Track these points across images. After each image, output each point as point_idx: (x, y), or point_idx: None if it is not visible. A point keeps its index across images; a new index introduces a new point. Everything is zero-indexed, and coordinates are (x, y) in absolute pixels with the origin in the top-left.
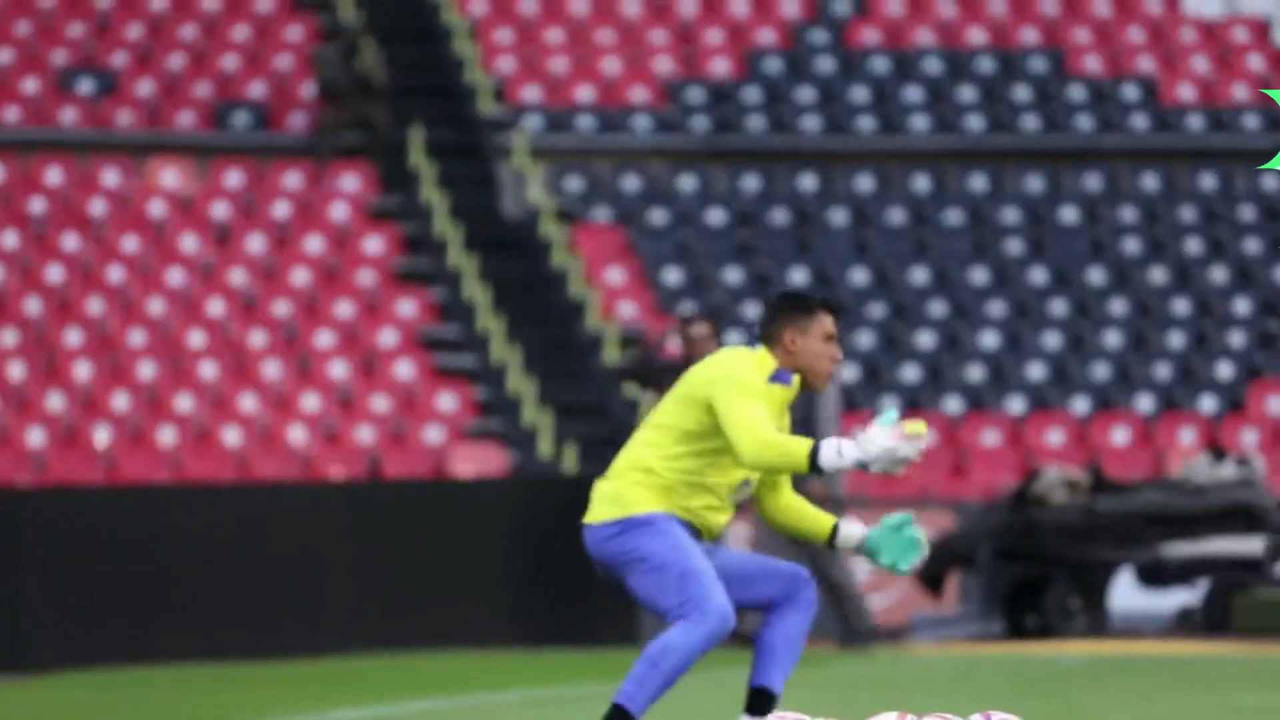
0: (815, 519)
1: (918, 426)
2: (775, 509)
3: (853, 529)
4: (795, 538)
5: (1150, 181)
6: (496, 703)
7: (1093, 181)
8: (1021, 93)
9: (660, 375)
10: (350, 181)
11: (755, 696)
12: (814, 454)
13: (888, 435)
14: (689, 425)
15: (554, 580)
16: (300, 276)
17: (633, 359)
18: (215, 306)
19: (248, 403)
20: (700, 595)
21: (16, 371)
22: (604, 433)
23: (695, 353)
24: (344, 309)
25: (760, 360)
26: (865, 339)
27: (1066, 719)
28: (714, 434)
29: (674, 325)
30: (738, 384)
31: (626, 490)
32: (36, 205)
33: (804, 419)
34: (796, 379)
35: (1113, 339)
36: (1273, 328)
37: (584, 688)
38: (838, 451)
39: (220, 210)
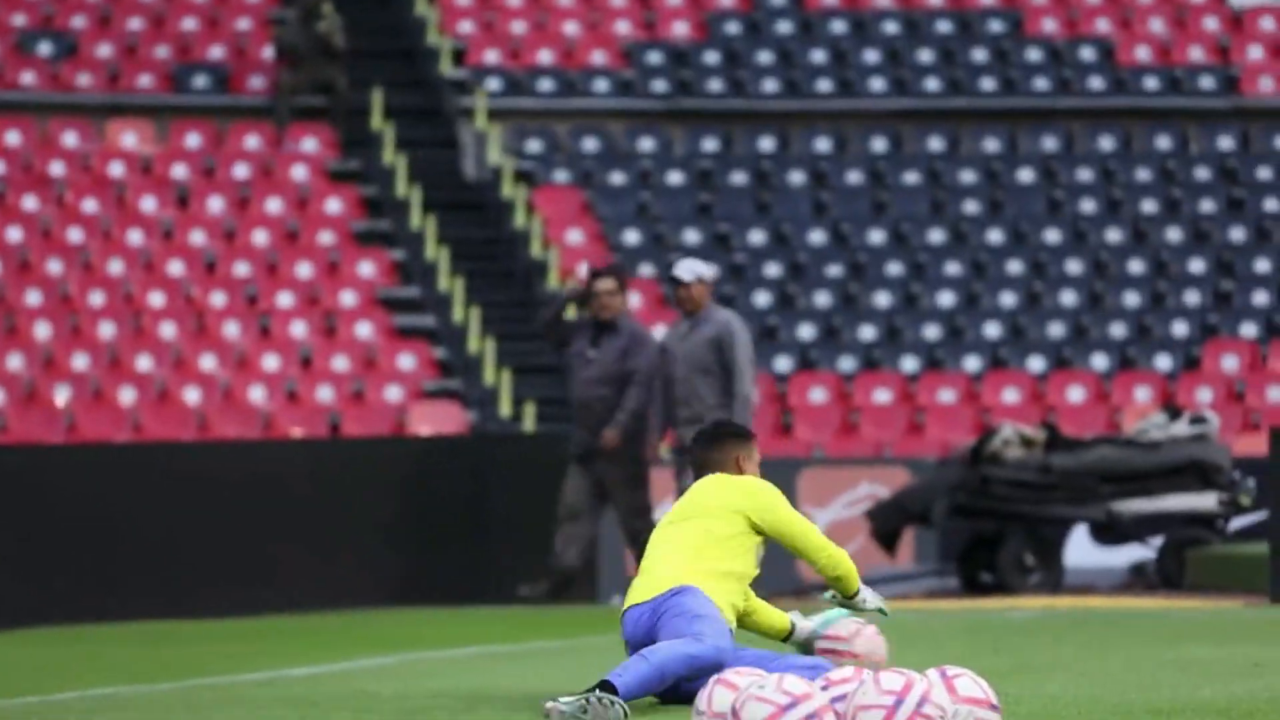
0: (771, 616)
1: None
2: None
3: (805, 623)
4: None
5: (1106, 142)
6: (455, 658)
7: (1049, 142)
8: (979, 54)
9: (570, 333)
10: (310, 143)
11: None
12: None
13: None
14: (726, 527)
15: (513, 537)
16: (260, 237)
17: (551, 316)
18: (175, 267)
19: (208, 362)
20: (710, 632)
21: None
22: (563, 393)
23: (600, 307)
24: (304, 270)
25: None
26: (822, 298)
27: (1021, 673)
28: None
29: (576, 281)
30: (784, 502)
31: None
32: None
33: (722, 369)
34: None
35: (1068, 298)
36: (1228, 287)
37: (547, 643)
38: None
39: (180, 172)
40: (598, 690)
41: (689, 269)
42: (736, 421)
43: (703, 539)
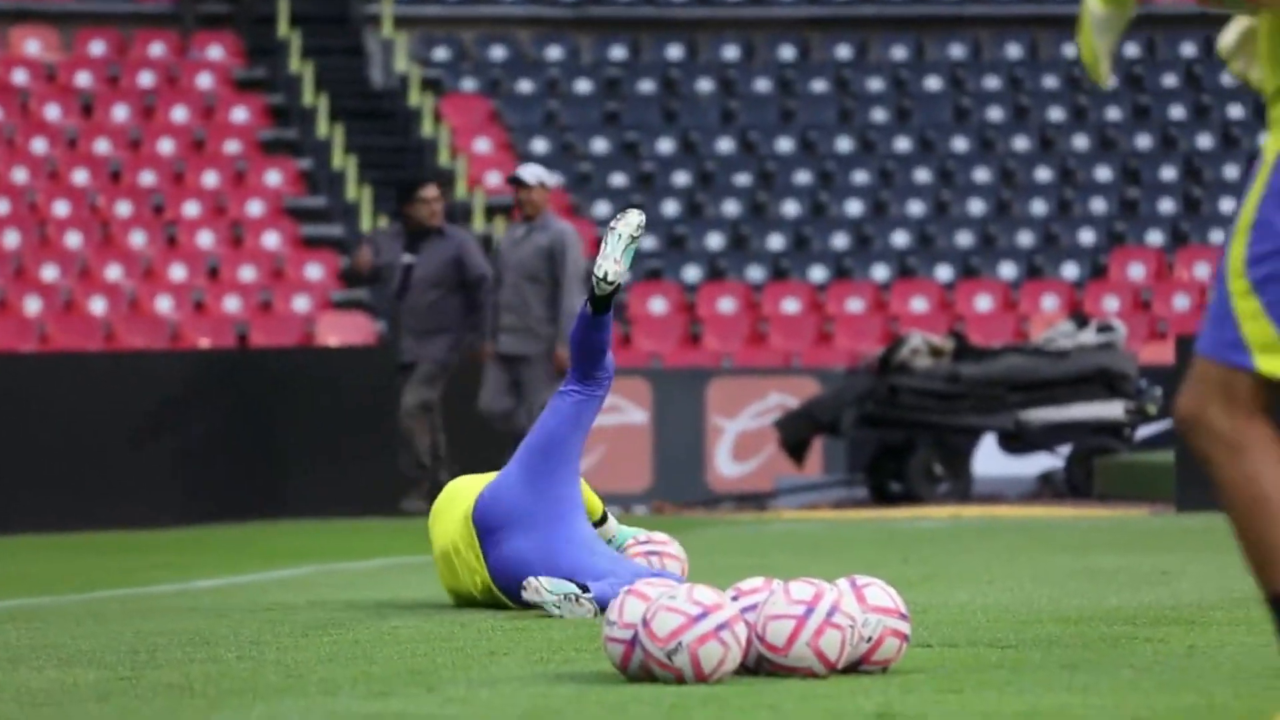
0: (591, 496)
1: None
2: None
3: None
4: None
5: (1014, 49)
6: (367, 569)
7: (957, 50)
8: None
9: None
10: (216, 51)
11: None
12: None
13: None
14: None
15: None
16: (166, 146)
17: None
18: (80, 176)
19: (114, 273)
20: (630, 570)
21: None
22: None
23: (425, 214)
24: (210, 179)
25: None
26: (730, 207)
27: (930, 582)
28: None
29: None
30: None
31: None
32: None
33: (552, 280)
34: None
35: (976, 206)
36: (1134, 195)
37: None
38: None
39: (84, 79)
40: (580, 593)
41: (532, 172)
42: (565, 335)
43: None
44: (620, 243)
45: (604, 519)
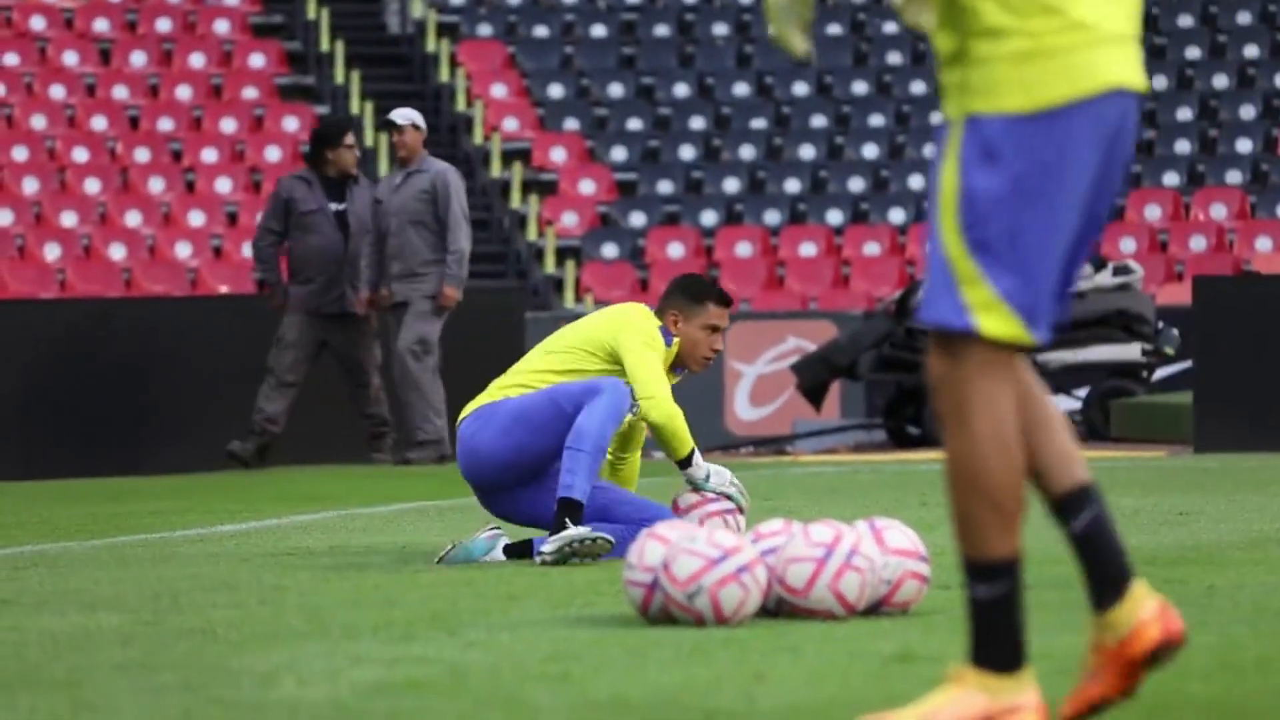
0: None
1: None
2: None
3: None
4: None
5: None
6: (385, 514)
7: None
8: None
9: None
10: None
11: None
12: (692, 452)
13: (731, 474)
14: (579, 368)
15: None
16: (184, 93)
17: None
18: (98, 123)
19: (133, 219)
20: (587, 387)
21: None
22: (490, 247)
23: (349, 160)
24: (228, 125)
25: (652, 318)
26: (747, 151)
27: (946, 523)
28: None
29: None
30: (644, 335)
31: (501, 390)
32: None
33: (436, 222)
34: (677, 342)
35: None
36: (1149, 136)
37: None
38: (703, 466)
39: (102, 26)
40: (567, 521)
41: (404, 114)
42: (451, 272)
43: (540, 375)
44: (728, 476)
45: (690, 460)
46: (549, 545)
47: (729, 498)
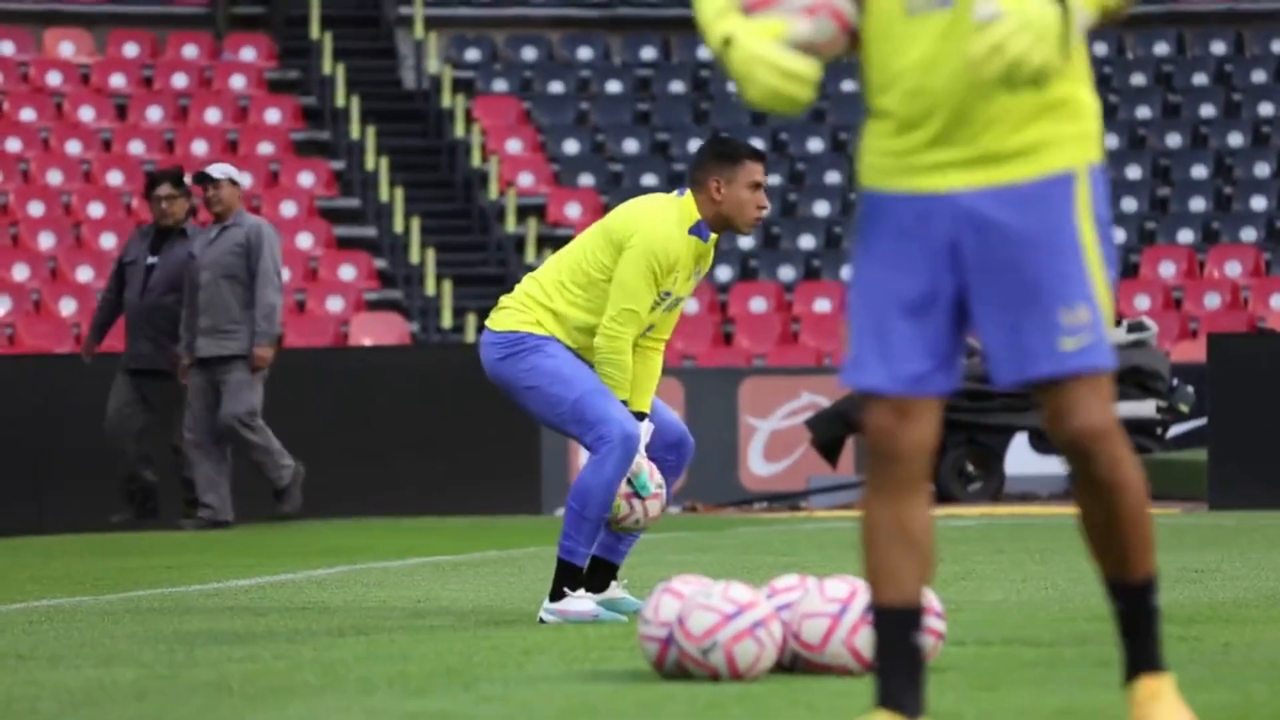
0: (645, 394)
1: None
2: (640, 360)
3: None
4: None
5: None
6: (401, 568)
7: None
8: None
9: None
10: (248, 52)
11: (597, 568)
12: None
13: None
14: (596, 270)
15: (457, 449)
16: (199, 148)
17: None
18: (114, 178)
19: None
20: (597, 419)
21: None
22: None
23: (156, 213)
24: (244, 181)
25: (685, 210)
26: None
27: (963, 581)
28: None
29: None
30: (653, 261)
31: (530, 308)
32: None
33: (249, 276)
34: (714, 236)
35: None
36: (1165, 193)
37: (488, 553)
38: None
39: (118, 81)
40: (566, 590)
41: (221, 169)
42: (261, 329)
43: (558, 271)
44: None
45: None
46: (551, 617)
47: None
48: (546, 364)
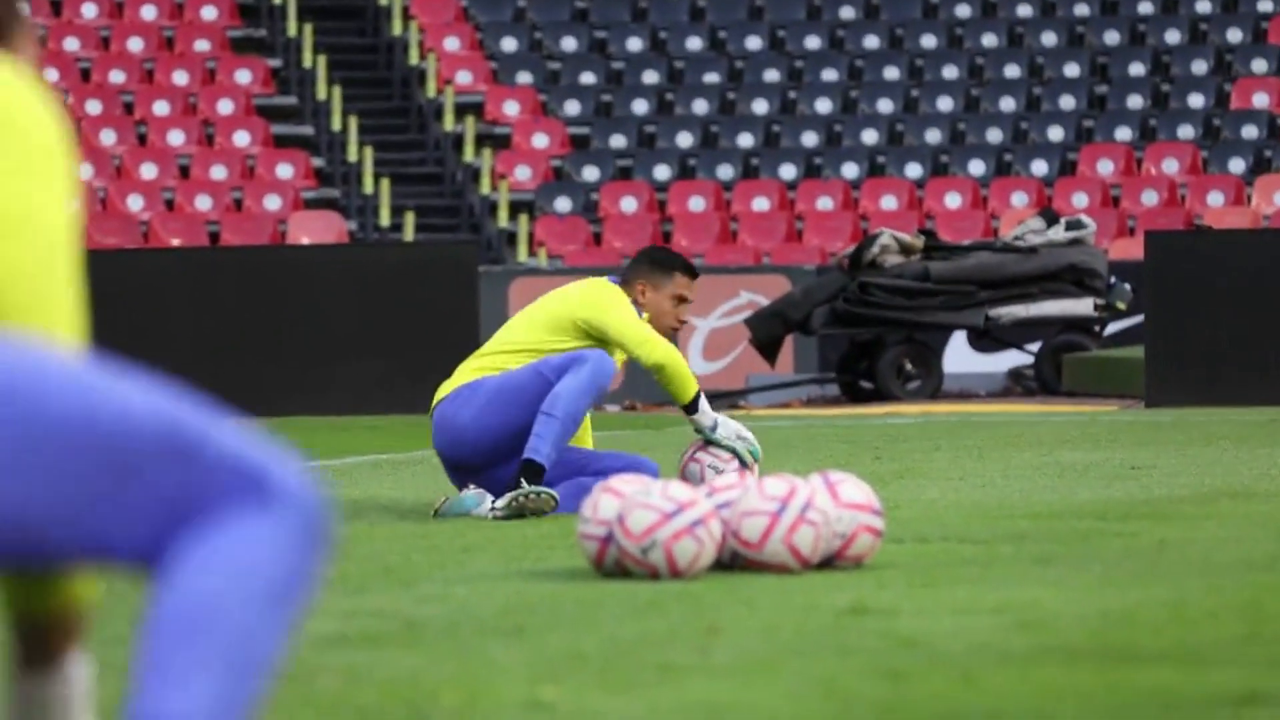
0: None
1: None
2: None
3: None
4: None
5: None
6: (340, 466)
7: None
8: None
9: None
10: None
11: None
12: (698, 395)
13: (740, 426)
14: (554, 347)
15: (396, 347)
16: (136, 45)
17: None
18: (49, 75)
19: (83, 172)
20: (571, 357)
21: None
22: (443, 200)
23: None
24: (180, 78)
25: (619, 290)
26: (700, 105)
27: (902, 479)
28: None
29: None
30: (617, 302)
31: (483, 370)
32: None
33: None
34: (646, 316)
35: (945, 104)
36: (1102, 91)
37: (425, 452)
38: (709, 414)
39: None
40: (523, 480)
41: None
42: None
43: (505, 357)
44: (736, 426)
45: (695, 405)
46: (501, 500)
47: (735, 454)
48: (490, 383)
